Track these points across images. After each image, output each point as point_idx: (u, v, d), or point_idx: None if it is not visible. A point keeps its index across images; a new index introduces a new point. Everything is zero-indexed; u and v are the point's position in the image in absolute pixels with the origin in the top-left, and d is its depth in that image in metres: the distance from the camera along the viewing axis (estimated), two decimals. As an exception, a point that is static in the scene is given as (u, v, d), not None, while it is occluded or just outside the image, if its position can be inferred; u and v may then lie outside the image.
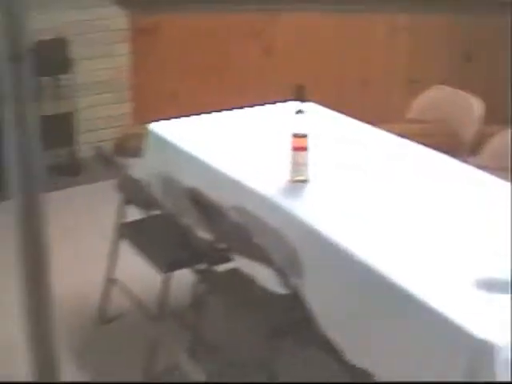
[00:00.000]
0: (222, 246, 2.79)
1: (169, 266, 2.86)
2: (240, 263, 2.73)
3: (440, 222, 2.43)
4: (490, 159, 3.09)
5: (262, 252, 2.39)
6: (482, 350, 1.83)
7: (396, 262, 2.18)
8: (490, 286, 2.07)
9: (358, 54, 5.61)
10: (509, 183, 2.64)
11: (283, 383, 2.63)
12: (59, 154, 4.97)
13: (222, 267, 2.86)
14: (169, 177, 3.06)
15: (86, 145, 5.02)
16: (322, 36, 5.46)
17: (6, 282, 3.40)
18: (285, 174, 2.71)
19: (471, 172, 2.82)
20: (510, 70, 4.79)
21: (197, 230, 2.89)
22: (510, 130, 3.09)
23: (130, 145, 4.86)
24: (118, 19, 5.14)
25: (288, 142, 2.68)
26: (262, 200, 2.62)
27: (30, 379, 1.56)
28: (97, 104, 5.22)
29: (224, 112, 3.48)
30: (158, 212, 3.06)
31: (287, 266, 2.44)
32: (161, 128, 3.33)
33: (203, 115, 3.43)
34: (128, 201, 3.14)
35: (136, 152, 3.53)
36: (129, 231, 3.17)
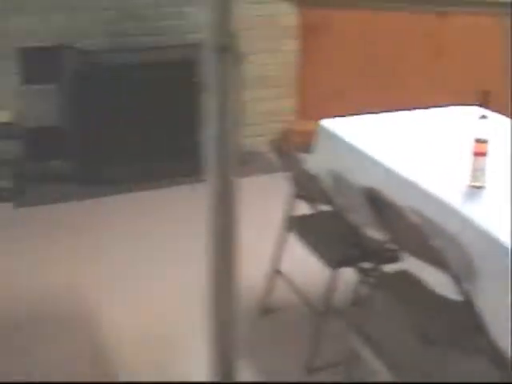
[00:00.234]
0: (393, 246, 2.78)
1: (339, 262, 2.89)
2: (407, 265, 2.72)
3: None
4: None
5: (439, 255, 2.37)
6: None
7: None
8: None
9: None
10: None
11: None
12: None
13: (387, 268, 2.85)
14: (340, 174, 3.07)
15: (249, 138, 5.14)
16: (491, 37, 5.30)
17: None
18: (463, 179, 2.68)
19: None
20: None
21: (367, 228, 2.90)
22: None
23: (295, 140, 4.92)
24: (289, 16, 5.25)
25: (468, 147, 2.65)
26: (440, 203, 2.59)
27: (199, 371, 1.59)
28: (262, 98, 5.33)
29: (397, 112, 3.46)
30: (327, 208, 3.08)
31: (461, 271, 2.40)
32: (332, 125, 3.33)
33: (375, 114, 3.42)
34: (299, 195, 3.18)
35: (301, 147, 3.56)
36: (298, 224, 3.21)
